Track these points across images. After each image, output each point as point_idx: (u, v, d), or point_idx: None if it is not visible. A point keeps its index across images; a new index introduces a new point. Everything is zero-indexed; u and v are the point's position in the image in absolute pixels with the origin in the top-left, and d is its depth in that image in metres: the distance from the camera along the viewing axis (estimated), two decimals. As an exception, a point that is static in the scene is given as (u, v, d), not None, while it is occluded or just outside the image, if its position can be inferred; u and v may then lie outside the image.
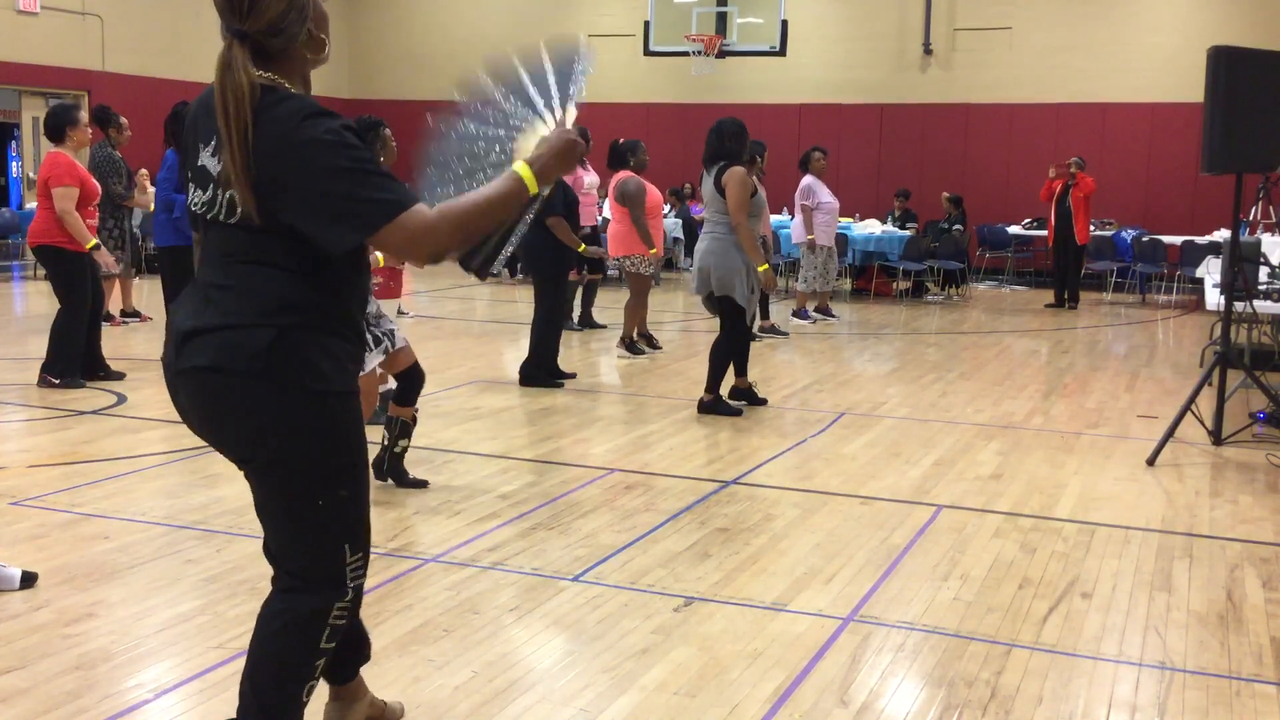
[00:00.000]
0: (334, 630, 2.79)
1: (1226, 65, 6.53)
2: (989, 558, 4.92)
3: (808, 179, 12.19)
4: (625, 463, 6.42)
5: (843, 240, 14.61)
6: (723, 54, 16.91)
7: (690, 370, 9.63)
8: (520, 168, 2.65)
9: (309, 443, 2.64)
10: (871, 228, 15.47)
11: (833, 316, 12.83)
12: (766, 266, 7.66)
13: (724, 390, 7.85)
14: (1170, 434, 6.79)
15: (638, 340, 10.24)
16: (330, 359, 2.65)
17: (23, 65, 16.14)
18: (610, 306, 12.25)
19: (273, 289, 2.60)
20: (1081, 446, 7.04)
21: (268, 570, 4.52)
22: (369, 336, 5.40)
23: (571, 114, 2.86)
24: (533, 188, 2.66)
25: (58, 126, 7.95)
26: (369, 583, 4.45)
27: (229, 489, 5.69)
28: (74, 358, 8.04)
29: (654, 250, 9.94)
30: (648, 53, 17.81)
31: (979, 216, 17.32)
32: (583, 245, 8.55)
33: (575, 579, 4.56)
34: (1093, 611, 4.34)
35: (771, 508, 5.59)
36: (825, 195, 12.22)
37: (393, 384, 6.06)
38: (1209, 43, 6.99)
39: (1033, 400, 8.50)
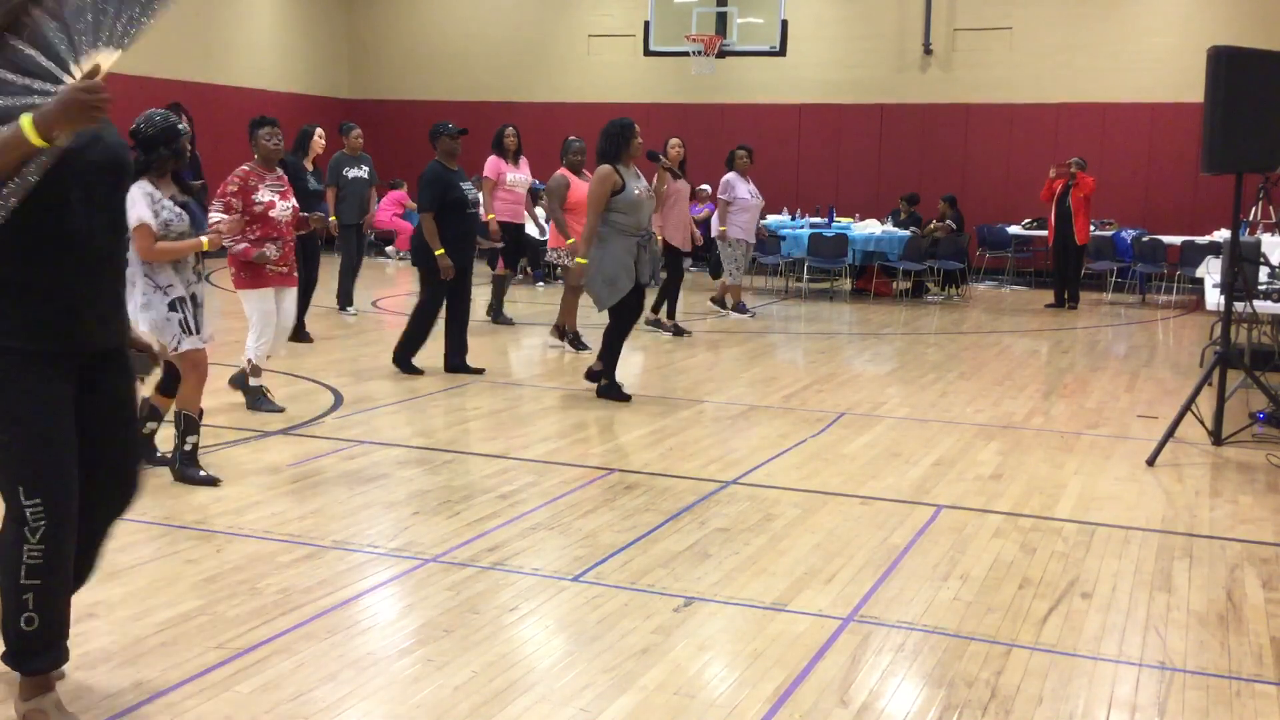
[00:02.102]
0: (31, 569, 3.10)
1: (1226, 65, 6.53)
2: (989, 558, 4.92)
3: (729, 175, 12.67)
4: (625, 463, 6.42)
5: (843, 240, 14.62)
6: (723, 54, 16.88)
7: (691, 370, 9.64)
8: (24, 118, 2.74)
9: None
10: (871, 228, 15.46)
11: (747, 313, 13.01)
12: (583, 261, 8.01)
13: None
14: (1170, 434, 6.79)
15: (568, 334, 10.28)
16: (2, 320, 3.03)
17: (23, 65, 16.15)
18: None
19: None
20: (1081, 446, 7.04)
21: (267, 570, 4.55)
22: (190, 321, 5.59)
23: (99, 61, 2.82)
24: (34, 139, 2.74)
25: None
26: (369, 582, 4.49)
27: (229, 489, 5.69)
28: None
29: (570, 241, 10.14)
30: (648, 53, 17.79)
31: (979, 216, 17.31)
32: (440, 249, 8.53)
33: (575, 579, 4.56)
34: (1093, 611, 4.34)
35: (771, 508, 5.59)
36: (742, 191, 12.63)
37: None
38: (1209, 43, 6.99)
39: (1033, 400, 8.50)
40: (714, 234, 13.04)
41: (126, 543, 4.85)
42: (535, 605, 4.28)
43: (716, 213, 12.95)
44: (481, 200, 10.28)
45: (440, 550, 4.85)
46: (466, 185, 8.78)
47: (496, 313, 11.84)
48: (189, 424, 5.75)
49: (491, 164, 11.34)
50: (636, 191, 7.95)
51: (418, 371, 8.86)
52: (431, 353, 9.61)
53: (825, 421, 7.55)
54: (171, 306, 5.59)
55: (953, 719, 3.48)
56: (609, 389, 8.14)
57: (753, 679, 3.69)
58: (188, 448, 5.75)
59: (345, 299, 12.38)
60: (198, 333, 5.67)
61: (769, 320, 13.07)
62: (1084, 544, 5.14)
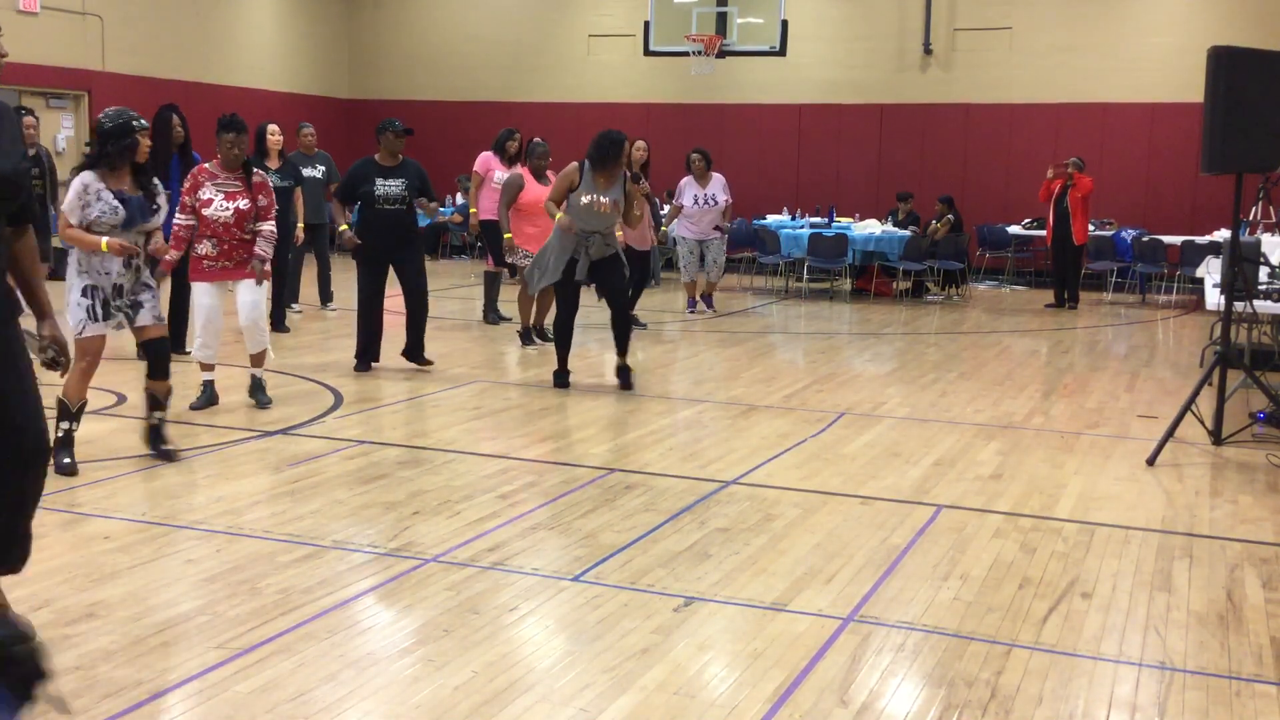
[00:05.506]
0: None
1: (1226, 65, 6.53)
2: (989, 558, 4.92)
3: (684, 179, 13.27)
4: (625, 463, 6.42)
5: (843, 240, 14.62)
6: (723, 54, 16.87)
7: (692, 370, 9.64)
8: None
9: None
10: (871, 228, 15.46)
11: (705, 308, 13.35)
12: (345, 227, 8.85)
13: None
14: (1170, 434, 6.78)
15: (533, 330, 10.31)
16: None
17: (23, 65, 16.12)
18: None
19: None
20: (1081, 446, 7.04)
21: (267, 570, 4.56)
22: (99, 309, 5.90)
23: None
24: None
25: None
26: (368, 582, 4.49)
27: (229, 489, 5.69)
28: None
29: (507, 235, 10.47)
30: (648, 53, 17.78)
31: (979, 216, 17.30)
32: (345, 226, 8.88)
33: (575, 579, 4.56)
34: (1093, 611, 4.34)
35: (771, 508, 5.59)
36: (686, 198, 13.15)
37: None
38: (1209, 43, 6.99)
39: (1033, 400, 8.50)
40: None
41: (126, 543, 4.86)
42: (535, 605, 4.28)
43: (668, 212, 13.62)
44: (470, 194, 11.00)
45: (440, 550, 4.86)
46: (390, 181, 8.75)
47: (491, 313, 11.78)
48: (61, 409, 5.86)
49: (482, 160, 11.23)
50: (585, 199, 8.28)
51: (362, 366, 8.94)
52: (438, 350, 9.61)
53: (825, 421, 7.55)
54: (84, 292, 5.94)
55: (953, 719, 3.48)
56: (556, 375, 8.56)
57: (753, 679, 3.69)
58: (59, 433, 5.83)
59: (324, 296, 12.48)
60: (104, 320, 5.94)
61: (769, 320, 13.08)
62: (1084, 544, 5.14)
